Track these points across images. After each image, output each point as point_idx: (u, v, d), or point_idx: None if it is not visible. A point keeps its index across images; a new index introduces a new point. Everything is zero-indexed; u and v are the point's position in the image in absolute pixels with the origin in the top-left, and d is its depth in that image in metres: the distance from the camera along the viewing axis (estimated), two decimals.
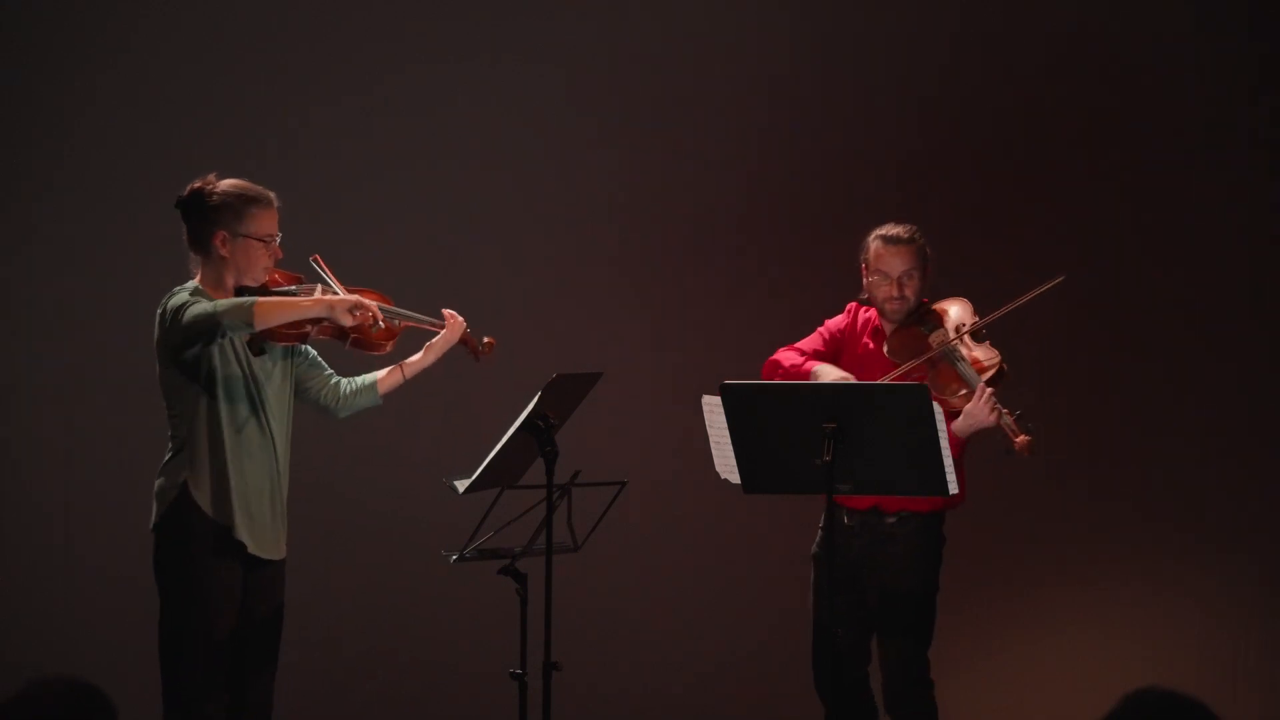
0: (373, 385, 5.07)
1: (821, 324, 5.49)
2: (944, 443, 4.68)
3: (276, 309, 4.64)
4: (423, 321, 5.03)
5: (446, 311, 5.08)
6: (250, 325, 4.60)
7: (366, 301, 4.73)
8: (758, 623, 6.78)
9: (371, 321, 4.75)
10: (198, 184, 4.84)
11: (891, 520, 5.28)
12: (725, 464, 5.05)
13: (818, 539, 5.36)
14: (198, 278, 4.83)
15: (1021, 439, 5.01)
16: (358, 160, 6.87)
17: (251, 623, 4.82)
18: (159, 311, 4.75)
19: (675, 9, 6.92)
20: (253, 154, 6.67)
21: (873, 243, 5.39)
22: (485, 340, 5.13)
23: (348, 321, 4.71)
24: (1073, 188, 6.81)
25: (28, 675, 2.93)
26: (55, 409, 6.81)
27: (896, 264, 5.33)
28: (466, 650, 6.68)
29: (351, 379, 5.08)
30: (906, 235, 5.37)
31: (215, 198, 4.80)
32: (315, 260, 4.88)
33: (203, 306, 4.61)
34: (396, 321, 4.95)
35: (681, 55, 6.91)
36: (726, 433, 4.85)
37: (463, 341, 5.09)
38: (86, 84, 6.85)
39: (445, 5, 6.93)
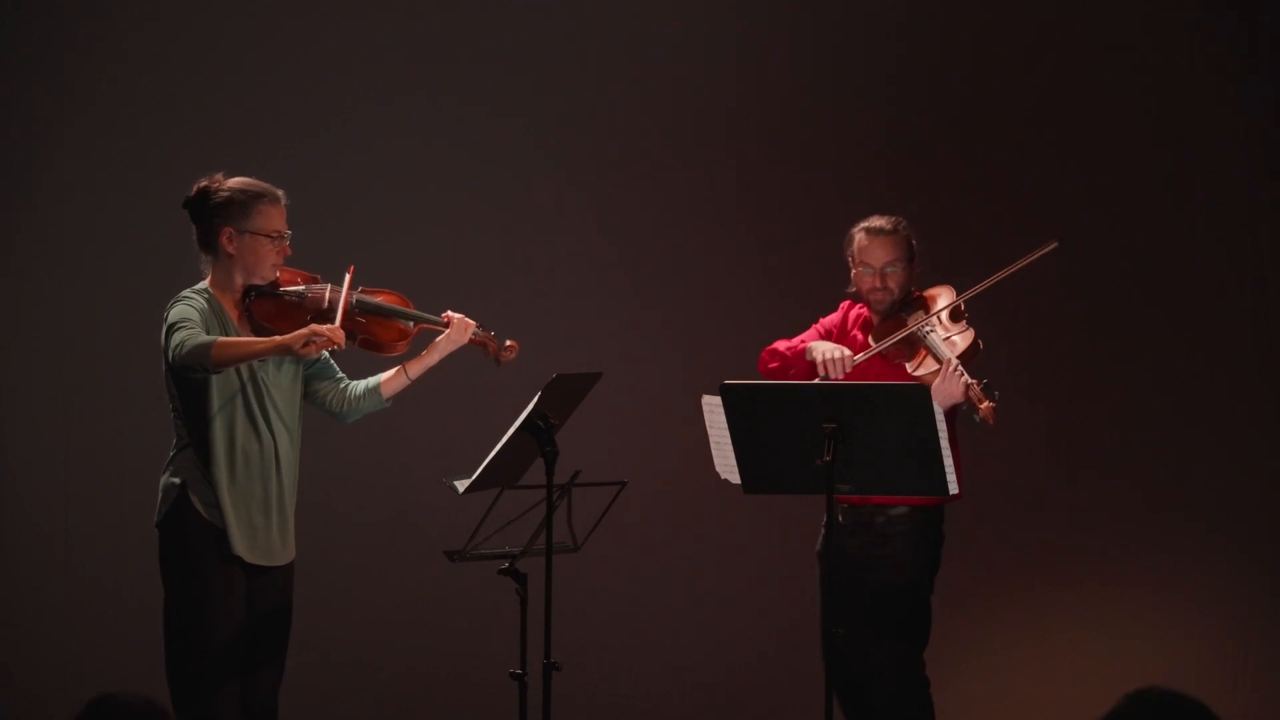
0: (376, 388, 5.06)
1: (817, 321, 5.55)
2: (944, 442, 4.68)
3: (232, 351, 4.62)
4: (428, 322, 5.02)
5: (447, 315, 5.05)
6: (206, 369, 4.62)
7: (320, 329, 4.67)
8: (758, 622, 6.77)
9: (329, 346, 4.69)
10: (204, 183, 4.83)
11: (882, 520, 5.28)
12: (725, 464, 5.05)
13: (821, 537, 5.36)
14: (208, 279, 4.84)
15: (986, 405, 5.02)
16: (359, 160, 6.87)
17: (258, 625, 4.82)
18: (164, 314, 4.75)
19: (677, 11, 6.92)
20: (255, 156, 6.67)
21: (856, 234, 5.42)
22: (508, 343, 5.10)
23: (309, 354, 4.67)
24: (1081, 187, 6.81)
25: (97, 693, 2.92)
26: (54, 412, 6.82)
27: (880, 255, 5.36)
28: (466, 651, 6.68)
29: (356, 382, 5.07)
30: (889, 227, 5.39)
31: (221, 195, 4.80)
32: (349, 271, 4.88)
33: (178, 337, 4.62)
34: (411, 324, 4.96)
35: (681, 53, 6.91)
36: (726, 433, 4.85)
37: (480, 344, 5.07)
38: (86, 85, 6.86)
39: (450, 6, 6.93)
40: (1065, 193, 6.79)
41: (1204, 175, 6.77)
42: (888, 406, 4.70)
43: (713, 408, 4.98)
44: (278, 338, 4.68)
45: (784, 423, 4.74)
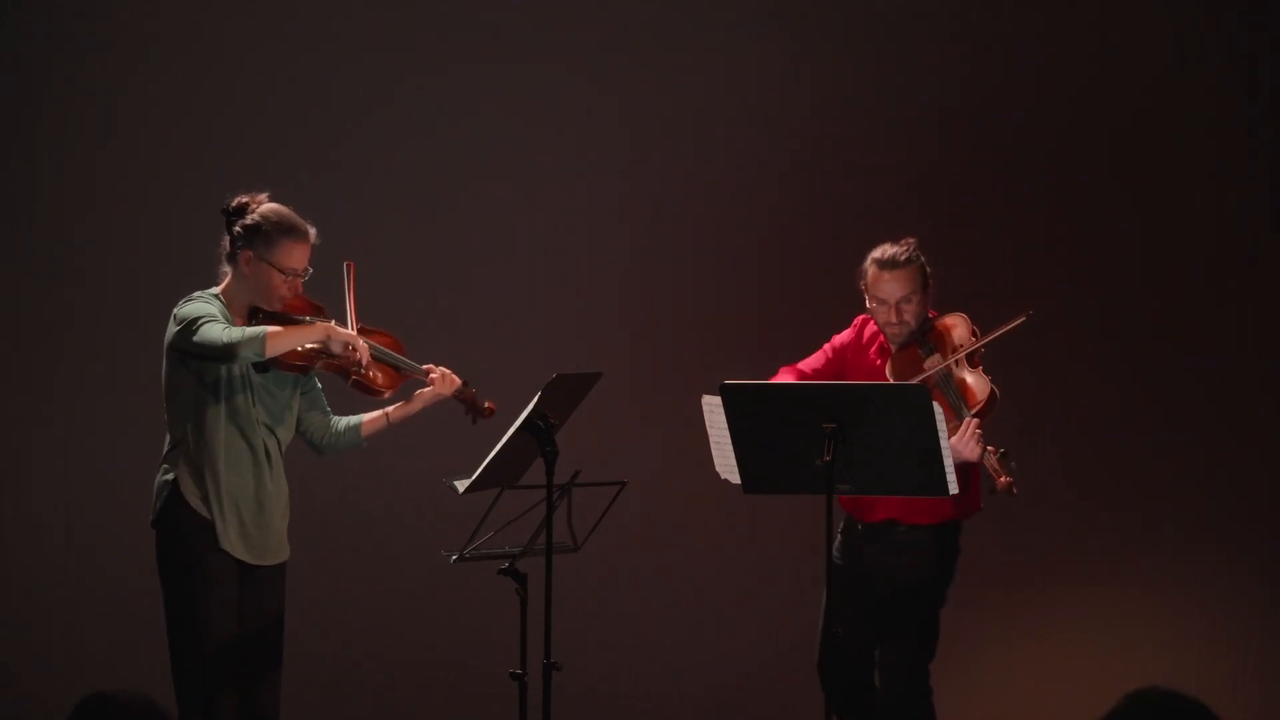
0: (357, 427, 5.10)
1: (829, 339, 5.46)
2: (944, 443, 4.68)
3: (284, 338, 4.71)
4: (414, 372, 5.04)
5: (430, 367, 5.04)
6: (261, 355, 4.67)
7: (360, 343, 4.80)
8: (758, 622, 6.77)
9: (356, 360, 4.79)
10: (244, 198, 4.89)
11: (902, 529, 5.23)
12: (725, 464, 5.04)
13: (838, 543, 5.33)
14: (222, 286, 4.89)
15: (1003, 480, 4.92)
16: (359, 159, 6.86)
17: (254, 625, 4.85)
18: (174, 312, 4.79)
19: (681, 13, 6.92)
20: (252, 155, 6.67)
21: (869, 267, 5.25)
22: (486, 405, 5.13)
23: (336, 350, 4.77)
24: (1083, 193, 6.80)
25: (90, 692, 2.92)
26: (54, 412, 6.81)
27: (894, 289, 5.20)
28: (466, 650, 6.68)
29: (339, 418, 5.10)
30: (903, 258, 5.21)
31: (253, 217, 4.85)
32: (347, 266, 4.92)
33: (217, 331, 4.67)
34: (401, 370, 4.98)
35: (687, 59, 6.90)
36: (726, 433, 4.85)
37: (461, 399, 5.09)
38: (87, 90, 6.84)
39: (453, 7, 6.92)
40: (1064, 193, 6.79)
41: (1204, 175, 6.76)
42: (888, 406, 4.70)
43: (713, 408, 4.98)
44: (321, 324, 4.81)
45: (784, 423, 4.74)
